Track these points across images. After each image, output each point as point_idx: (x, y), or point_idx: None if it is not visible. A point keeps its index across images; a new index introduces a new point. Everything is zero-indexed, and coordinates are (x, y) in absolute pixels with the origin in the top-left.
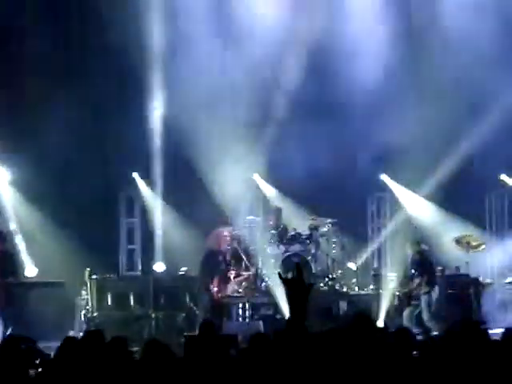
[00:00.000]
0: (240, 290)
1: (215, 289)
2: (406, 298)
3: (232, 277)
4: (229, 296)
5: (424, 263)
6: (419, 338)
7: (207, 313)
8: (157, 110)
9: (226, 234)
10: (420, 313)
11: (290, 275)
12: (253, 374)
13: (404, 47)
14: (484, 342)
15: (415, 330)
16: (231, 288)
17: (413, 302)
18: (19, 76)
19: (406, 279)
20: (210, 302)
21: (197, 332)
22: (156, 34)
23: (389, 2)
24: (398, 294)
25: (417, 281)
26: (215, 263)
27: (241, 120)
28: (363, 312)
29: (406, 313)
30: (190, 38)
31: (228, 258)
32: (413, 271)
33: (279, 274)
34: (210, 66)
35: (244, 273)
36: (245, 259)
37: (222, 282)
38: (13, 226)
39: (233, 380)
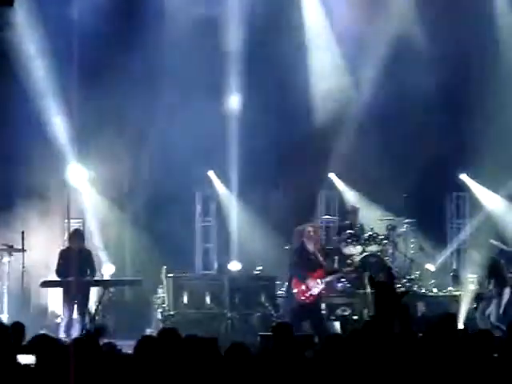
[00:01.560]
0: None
1: (303, 287)
2: (480, 299)
3: (319, 276)
4: (316, 296)
5: (495, 264)
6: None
7: (290, 314)
8: (232, 108)
9: (310, 229)
10: (490, 314)
11: (367, 276)
12: (328, 374)
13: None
14: None
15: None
16: (319, 288)
17: (483, 303)
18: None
19: (482, 280)
20: (294, 302)
21: (271, 332)
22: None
23: None
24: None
25: (487, 281)
26: (305, 261)
27: (314, 120)
28: (449, 314)
29: (477, 313)
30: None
31: (315, 255)
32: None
33: (371, 277)
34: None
35: (332, 274)
36: (323, 260)
37: (311, 281)
38: (91, 224)
39: (308, 380)
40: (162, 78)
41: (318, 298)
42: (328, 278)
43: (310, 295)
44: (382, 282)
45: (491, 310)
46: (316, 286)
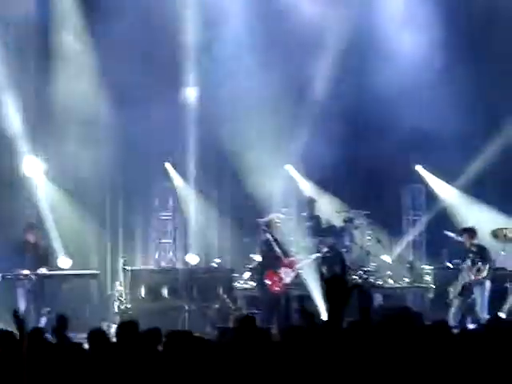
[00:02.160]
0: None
1: (275, 278)
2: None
3: (290, 265)
4: (287, 286)
5: (484, 250)
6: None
7: (265, 306)
8: (190, 101)
9: (275, 219)
10: (473, 302)
11: (324, 269)
12: (285, 366)
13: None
14: None
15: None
16: (290, 277)
17: (465, 292)
18: None
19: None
20: (267, 294)
21: (231, 325)
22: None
23: None
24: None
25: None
26: (275, 252)
27: (274, 111)
28: (406, 307)
29: (457, 302)
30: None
31: (281, 245)
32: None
33: (321, 273)
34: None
35: (299, 261)
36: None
37: (284, 270)
38: (47, 217)
39: (266, 371)
40: (118, 69)
41: (288, 287)
42: (299, 265)
43: (283, 285)
44: (333, 276)
45: (475, 298)
46: (288, 275)
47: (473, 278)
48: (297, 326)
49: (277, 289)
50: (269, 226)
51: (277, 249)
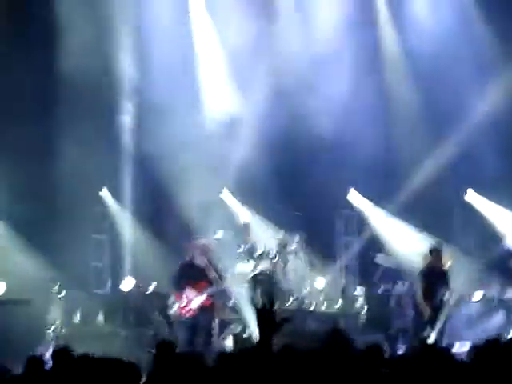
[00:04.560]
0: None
1: (183, 301)
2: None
3: (202, 290)
4: (198, 310)
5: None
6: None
7: (181, 330)
8: (126, 125)
9: (201, 244)
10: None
11: (258, 292)
12: None
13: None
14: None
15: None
16: (200, 300)
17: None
18: None
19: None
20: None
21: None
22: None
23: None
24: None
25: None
26: (187, 274)
27: (209, 137)
28: (337, 330)
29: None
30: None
31: (205, 269)
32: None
33: (254, 304)
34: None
35: (212, 287)
36: (215, 274)
37: (190, 292)
38: None
39: None
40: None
41: (203, 311)
42: (209, 290)
43: (190, 309)
44: (262, 309)
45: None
46: (196, 298)
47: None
48: (229, 352)
49: (183, 313)
50: (193, 249)
51: (193, 271)
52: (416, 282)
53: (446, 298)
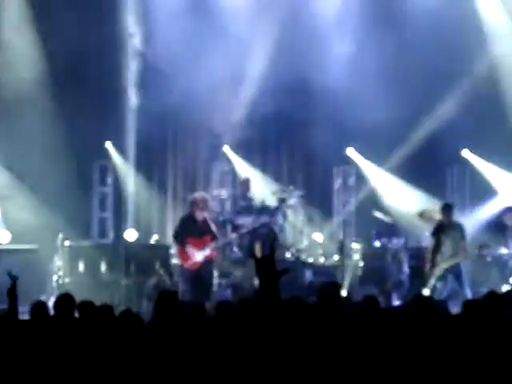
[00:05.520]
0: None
1: (185, 255)
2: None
3: (206, 243)
4: (202, 263)
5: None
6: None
7: (182, 282)
8: (130, 82)
9: (198, 198)
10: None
11: (257, 245)
12: (220, 342)
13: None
14: (439, 315)
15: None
16: (204, 255)
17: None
18: None
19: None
20: (181, 269)
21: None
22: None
23: None
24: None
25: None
26: (189, 229)
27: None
28: (334, 282)
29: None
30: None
31: (204, 224)
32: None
33: (252, 253)
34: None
35: (216, 241)
36: (214, 227)
37: (192, 247)
38: None
39: (199, 347)
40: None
41: (205, 264)
42: (212, 244)
43: (194, 262)
44: (264, 257)
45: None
46: (199, 253)
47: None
48: (228, 301)
49: (187, 266)
50: (192, 203)
51: (194, 226)
52: (429, 237)
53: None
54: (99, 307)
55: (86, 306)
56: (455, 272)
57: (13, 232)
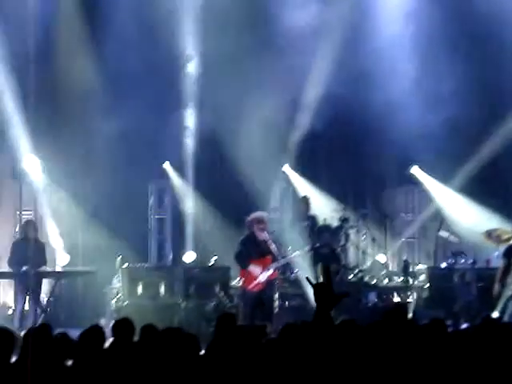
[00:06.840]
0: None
1: (249, 276)
2: None
3: (267, 264)
4: (265, 284)
5: None
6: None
7: (242, 304)
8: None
9: (259, 217)
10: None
11: (319, 268)
12: (281, 364)
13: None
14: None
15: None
16: (267, 275)
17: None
18: None
19: None
20: (242, 291)
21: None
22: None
23: None
24: None
25: None
26: (251, 249)
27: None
28: (399, 304)
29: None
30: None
31: (265, 243)
32: None
33: (308, 279)
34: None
35: (278, 261)
36: (275, 248)
37: (256, 268)
38: (45, 215)
39: (260, 369)
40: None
41: (267, 286)
42: (275, 264)
43: (257, 283)
44: (321, 284)
45: None
46: (263, 274)
47: None
48: (291, 323)
49: (250, 287)
50: (252, 223)
51: (256, 246)
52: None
53: None
54: (162, 331)
55: (149, 329)
56: None
57: (71, 254)
